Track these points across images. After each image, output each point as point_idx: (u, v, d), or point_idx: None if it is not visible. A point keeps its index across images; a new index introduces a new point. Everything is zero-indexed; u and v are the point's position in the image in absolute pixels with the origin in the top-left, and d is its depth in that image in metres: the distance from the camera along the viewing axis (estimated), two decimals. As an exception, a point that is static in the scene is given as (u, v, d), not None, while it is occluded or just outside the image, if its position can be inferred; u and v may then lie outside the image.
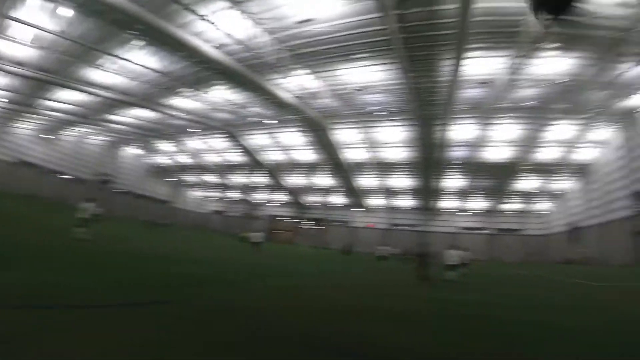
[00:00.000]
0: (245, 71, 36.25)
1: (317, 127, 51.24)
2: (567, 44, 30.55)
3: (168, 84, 43.19)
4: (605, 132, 48.16)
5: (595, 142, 50.48)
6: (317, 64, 35.92)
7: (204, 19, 27.67)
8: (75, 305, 6.01)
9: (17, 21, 29.81)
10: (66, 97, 48.97)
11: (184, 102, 49.13)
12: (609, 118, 44.23)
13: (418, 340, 6.18)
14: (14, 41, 33.83)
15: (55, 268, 9.69)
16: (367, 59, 34.10)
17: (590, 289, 18.34)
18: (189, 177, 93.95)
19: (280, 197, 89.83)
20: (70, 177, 72.90)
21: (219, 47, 32.47)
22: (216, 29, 29.63)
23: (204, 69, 38.38)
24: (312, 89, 39.22)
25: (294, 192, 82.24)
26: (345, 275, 20.67)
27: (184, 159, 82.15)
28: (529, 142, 49.11)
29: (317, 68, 36.77)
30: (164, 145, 76.96)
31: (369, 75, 37.46)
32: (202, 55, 33.03)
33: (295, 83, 37.55)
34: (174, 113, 51.33)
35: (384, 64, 34.35)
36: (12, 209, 31.09)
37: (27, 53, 36.38)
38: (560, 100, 38.96)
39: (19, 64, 37.81)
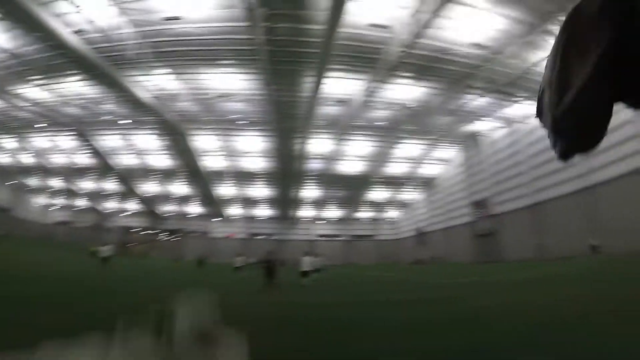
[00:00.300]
0: (102, 63, 32.15)
1: (174, 131, 48.36)
2: (420, 73, 33.25)
3: (17, 68, 37.07)
4: (449, 151, 54.51)
5: (440, 160, 56.92)
6: (180, 65, 33.92)
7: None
8: None
9: None
10: None
11: (32, 91, 41.08)
12: (452, 140, 50.09)
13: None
14: None
15: None
16: (231, 66, 33.41)
17: (427, 285, 19.72)
18: (31, 181, 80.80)
19: (134, 206, 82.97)
20: None
21: (79, 32, 28.72)
22: (78, 11, 26.02)
23: (58, 55, 33.12)
24: (173, 91, 37.15)
25: (149, 201, 76.94)
26: (191, 287, 19.69)
27: (27, 159, 70.11)
28: (380, 158, 53.17)
29: (180, 69, 34.75)
30: (5, 141, 64.70)
31: (232, 83, 36.76)
32: (59, 40, 28.03)
33: (155, 82, 35.05)
34: (20, 103, 43.83)
35: (248, 73, 33.98)
36: None
37: None
38: (409, 123, 42.53)
39: None
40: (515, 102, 38.54)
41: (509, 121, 43.19)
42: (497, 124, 45.09)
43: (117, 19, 27.26)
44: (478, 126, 46.48)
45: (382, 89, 35.08)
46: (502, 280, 19.07)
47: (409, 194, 70.79)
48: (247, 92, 38.07)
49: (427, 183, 66.50)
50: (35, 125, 51.72)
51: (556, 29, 21.04)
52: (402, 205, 76.30)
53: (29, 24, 27.84)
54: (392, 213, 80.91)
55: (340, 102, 38.28)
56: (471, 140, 51.32)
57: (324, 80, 31.19)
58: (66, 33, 27.82)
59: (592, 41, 0.55)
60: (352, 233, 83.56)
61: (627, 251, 25.67)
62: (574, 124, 0.60)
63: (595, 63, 0.53)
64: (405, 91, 36.49)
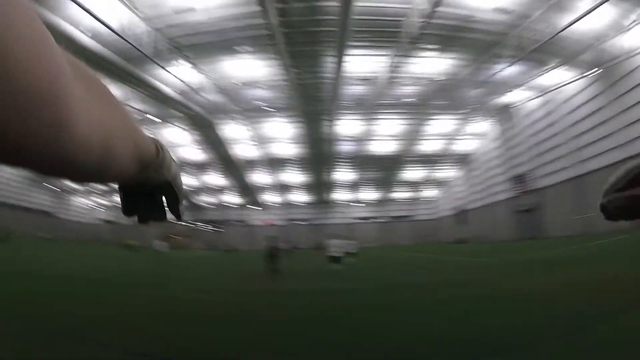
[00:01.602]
0: (121, 62, 32.95)
1: (203, 123, 48.80)
2: (444, 44, 31.70)
3: None
4: (483, 125, 52.10)
5: (474, 134, 54.45)
6: (199, 57, 33.73)
7: (75, 2, 24.09)
8: None
9: None
10: None
11: None
12: (486, 113, 47.67)
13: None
14: None
15: None
16: (250, 53, 32.62)
17: (465, 266, 18.80)
18: (72, 183, 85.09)
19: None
20: None
21: (92, 35, 28.94)
22: (88, 13, 25.85)
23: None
24: (196, 84, 36.92)
25: (186, 193, 78.40)
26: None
27: None
28: (412, 135, 51.23)
29: (200, 61, 34.58)
30: None
31: (253, 71, 36.12)
32: (72, 42, 29.19)
33: (177, 76, 34.92)
34: None
35: (268, 59, 33.12)
36: None
37: None
38: (439, 97, 40.66)
39: None
40: (547, 69, 36.42)
41: (543, 90, 40.81)
42: (530, 94, 42.61)
43: (128, 17, 26.84)
44: (511, 97, 44.16)
45: (406, 63, 33.28)
46: (545, 258, 17.98)
47: (446, 172, 68.77)
48: (269, 78, 37.30)
49: (463, 159, 64.42)
50: None
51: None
52: (439, 183, 74.37)
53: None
54: (429, 192, 79.09)
55: (365, 80, 37.01)
56: (505, 112, 49.09)
57: (346, 59, 30.07)
58: (79, 34, 27.82)
59: None
60: (389, 214, 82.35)
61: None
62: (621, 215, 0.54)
63: None
64: (431, 64, 34.67)
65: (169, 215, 0.75)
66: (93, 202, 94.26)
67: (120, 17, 25.98)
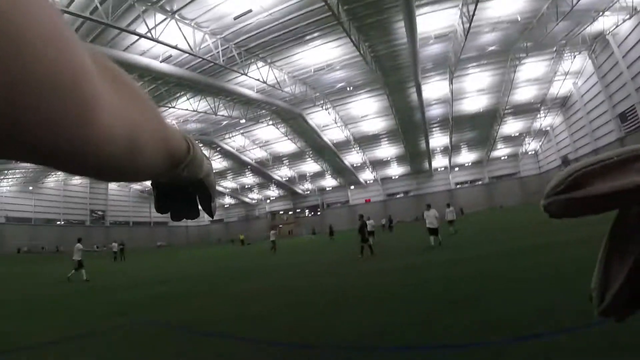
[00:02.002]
0: (201, 77, 35.08)
1: (290, 115, 50.29)
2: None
3: None
4: (576, 62, 47.48)
5: (570, 74, 49.77)
6: (271, 54, 34.54)
7: (145, 37, 26.00)
8: None
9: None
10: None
11: None
12: (577, 47, 43.36)
13: None
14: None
15: None
16: (318, 38, 32.61)
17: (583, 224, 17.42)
18: None
19: (274, 192, 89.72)
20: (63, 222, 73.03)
21: (167, 60, 31.16)
22: (159, 43, 27.66)
23: (160, 85, 37.20)
24: (274, 80, 37.77)
25: (285, 184, 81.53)
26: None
27: None
28: (503, 87, 48.03)
29: (273, 58, 35.41)
30: None
31: (325, 54, 36.12)
32: (154, 72, 31.70)
33: (255, 77, 36.00)
34: None
35: (337, 39, 32.80)
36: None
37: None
38: (523, 39, 37.90)
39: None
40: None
41: (633, 10, 36.00)
42: (621, 17, 37.68)
43: (196, 35, 28.12)
44: (601, 24, 39.56)
45: (480, 9, 31.15)
46: None
47: (545, 120, 63.41)
48: (343, 58, 37.01)
49: (562, 103, 58.99)
50: None
51: None
52: (540, 134, 69.18)
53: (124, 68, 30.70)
54: (531, 145, 74.16)
55: (442, 37, 35.51)
56: (598, 43, 44.31)
57: (416, 20, 28.96)
58: (157, 64, 30.06)
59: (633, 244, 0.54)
60: (492, 175, 78.59)
61: None
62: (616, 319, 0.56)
63: (630, 268, 0.52)
64: (507, 5, 31.96)
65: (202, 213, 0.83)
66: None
67: (189, 37, 27.26)
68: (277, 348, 5.33)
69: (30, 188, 69.11)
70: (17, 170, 60.20)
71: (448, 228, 21.20)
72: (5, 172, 59.74)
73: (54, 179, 71.36)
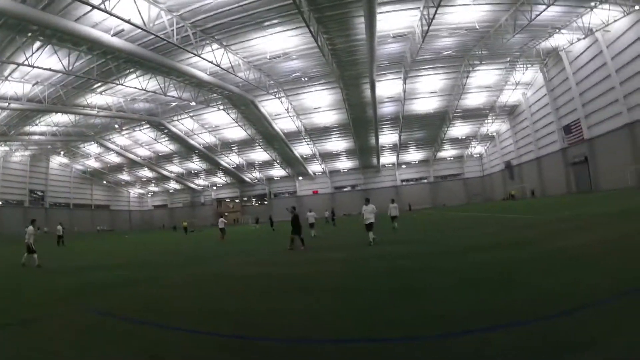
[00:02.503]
0: (153, 55, 33.44)
1: (242, 102, 49.43)
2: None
3: (76, 82, 39.73)
4: (528, 74, 49.63)
5: (520, 84, 52.01)
6: (227, 37, 33.47)
7: (98, 8, 24.43)
8: None
9: None
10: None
11: (100, 98, 45.17)
12: (530, 60, 45.25)
13: None
14: None
15: None
16: (277, 25, 31.98)
17: (518, 224, 18.10)
18: (124, 177, 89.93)
19: (221, 179, 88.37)
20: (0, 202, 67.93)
21: (118, 34, 29.54)
22: (113, 16, 26.07)
23: (110, 60, 35.22)
24: (228, 64, 36.84)
25: (233, 171, 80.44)
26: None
27: (114, 158, 77.68)
28: (455, 90, 49.33)
29: (229, 41, 34.39)
30: (91, 148, 72.32)
31: (283, 43, 35.50)
32: (105, 46, 29.73)
33: (209, 60, 34.94)
34: (92, 112, 47.32)
35: (296, 28, 32.30)
36: None
37: None
38: (479, 47, 38.93)
39: None
40: (592, 7, 34.14)
41: (589, 30, 37.93)
42: (576, 36, 39.39)
43: (151, 11, 26.72)
44: (555, 41, 41.39)
45: (441, 14, 31.52)
46: (598, 213, 17.09)
47: (492, 126, 65.99)
48: (300, 48, 36.60)
49: (510, 111, 61.59)
50: (115, 126, 56.72)
51: None
52: (487, 138, 71.81)
53: (72, 41, 30.06)
54: (476, 148, 76.84)
55: (400, 36, 35.80)
56: (551, 58, 46.27)
57: (376, 17, 28.94)
58: (108, 38, 28.45)
59: None
60: (436, 174, 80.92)
61: None
62: None
63: None
64: (467, 12, 32.60)
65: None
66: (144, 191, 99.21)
67: (143, 13, 25.85)
68: (210, 337, 5.20)
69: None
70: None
71: (391, 223, 21.45)
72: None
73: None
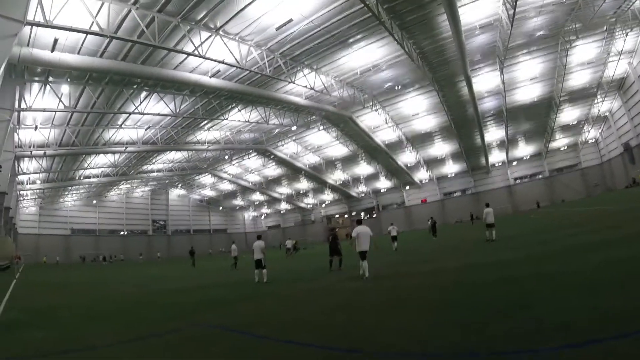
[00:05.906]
0: (250, 89, 36.25)
1: (340, 119, 51.04)
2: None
3: (185, 122, 44.40)
4: (629, 40, 44.56)
5: (623, 53, 46.83)
6: (316, 60, 35.14)
7: (192, 54, 27.10)
8: None
9: (25, 110, 30.83)
10: (99, 162, 51.79)
11: (209, 134, 50.81)
12: (627, 24, 40.71)
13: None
14: (30, 127, 35.91)
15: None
16: (361, 40, 32.85)
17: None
18: (237, 202, 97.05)
19: (328, 196, 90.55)
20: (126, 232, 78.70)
21: (216, 74, 32.34)
22: (207, 59, 28.11)
23: (212, 99, 38.97)
24: (321, 86, 38.17)
25: (339, 188, 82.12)
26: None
27: (227, 186, 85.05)
28: (556, 73, 46.16)
29: (319, 64, 36.05)
30: (205, 179, 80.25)
31: (370, 56, 36.30)
32: (205, 87, 33.43)
33: (303, 84, 36.53)
34: (202, 147, 52.68)
35: (380, 39, 32.96)
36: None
37: (45, 135, 38.54)
38: (571, 21, 36.59)
39: (42, 146, 40.33)
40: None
41: None
42: None
43: (241, 49, 28.95)
44: None
45: None
46: None
47: (603, 105, 58.95)
48: (388, 57, 37.06)
49: (618, 85, 54.86)
50: (225, 157, 62.10)
51: None
52: (600, 120, 64.25)
53: (174, 87, 34.80)
54: (590, 133, 68.40)
55: (487, 26, 34.68)
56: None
57: (458, 12, 28.53)
58: (207, 79, 31.48)
59: None
60: (552, 167, 73.90)
61: None
62: None
63: None
64: None
65: None
66: (257, 213, 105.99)
67: (234, 52, 28.23)
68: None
69: (94, 202, 74.67)
70: (81, 186, 64.59)
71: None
72: (70, 187, 64.61)
73: (117, 193, 76.64)
